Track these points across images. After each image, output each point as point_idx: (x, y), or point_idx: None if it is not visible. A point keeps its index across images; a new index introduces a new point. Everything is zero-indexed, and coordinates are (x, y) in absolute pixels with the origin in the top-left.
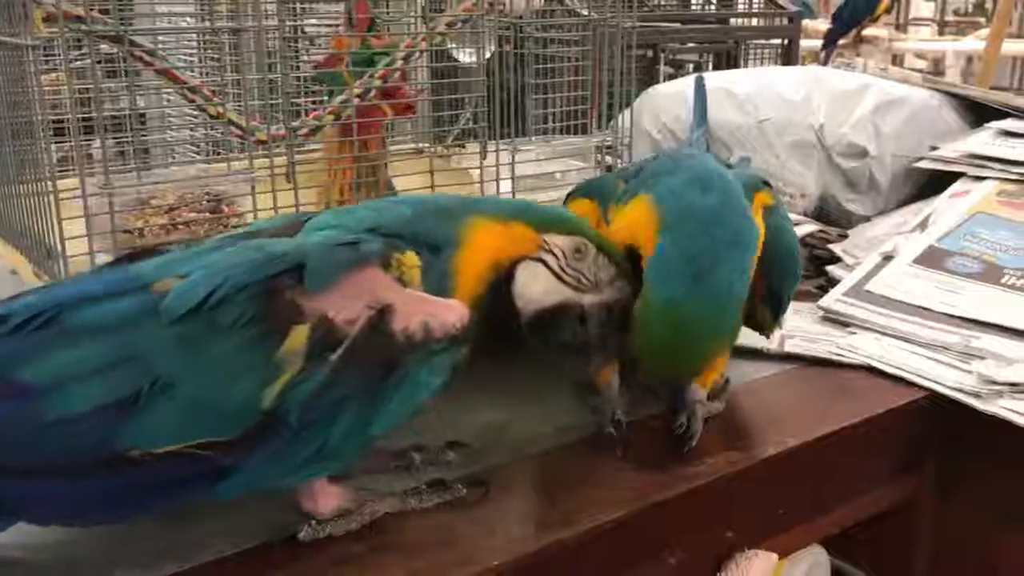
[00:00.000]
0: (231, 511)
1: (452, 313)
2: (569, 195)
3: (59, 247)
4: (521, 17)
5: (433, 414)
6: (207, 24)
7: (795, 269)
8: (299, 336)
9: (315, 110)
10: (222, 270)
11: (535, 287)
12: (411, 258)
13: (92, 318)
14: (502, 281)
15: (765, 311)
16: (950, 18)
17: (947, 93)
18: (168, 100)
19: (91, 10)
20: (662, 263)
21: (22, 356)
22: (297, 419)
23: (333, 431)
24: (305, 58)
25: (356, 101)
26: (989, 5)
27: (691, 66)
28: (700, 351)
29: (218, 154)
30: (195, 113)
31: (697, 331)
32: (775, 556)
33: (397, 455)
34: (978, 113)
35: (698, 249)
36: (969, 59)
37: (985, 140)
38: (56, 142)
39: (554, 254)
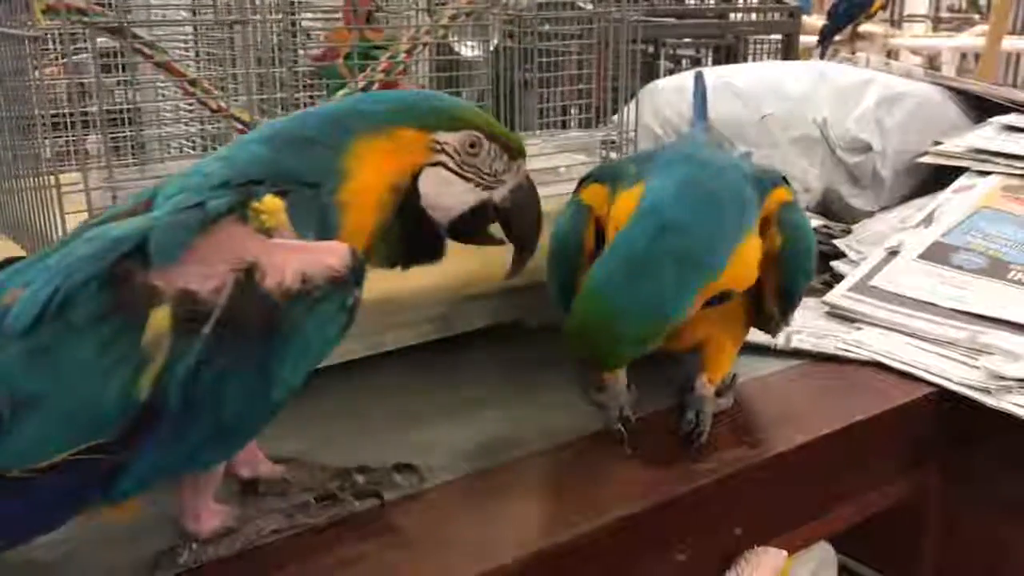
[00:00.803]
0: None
1: (331, 255)
2: (583, 179)
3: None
4: (524, 11)
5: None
6: (209, 16)
7: (808, 267)
8: (160, 318)
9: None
10: (60, 270)
11: (444, 196)
12: (272, 202)
13: None
14: (407, 196)
15: (774, 308)
16: (944, 14)
17: (950, 88)
18: (164, 95)
19: (91, 2)
20: (612, 250)
21: None
22: (180, 403)
23: (225, 407)
24: (302, 52)
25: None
26: (983, 1)
27: (686, 61)
28: (607, 348)
29: (214, 149)
30: (191, 107)
31: (609, 329)
32: (784, 553)
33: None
34: (981, 108)
35: (644, 255)
36: (964, 55)
37: (989, 135)
38: (53, 136)
39: (448, 154)
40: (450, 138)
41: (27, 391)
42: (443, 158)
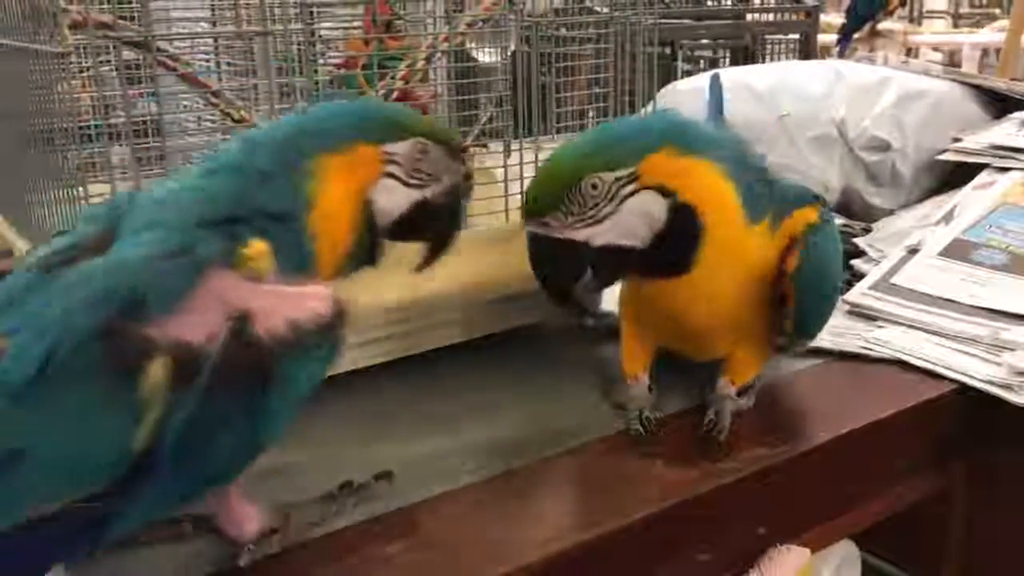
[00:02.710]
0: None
1: (316, 299)
2: None
3: None
4: (542, 15)
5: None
6: (230, 28)
7: (825, 292)
8: (157, 370)
9: None
10: (51, 324)
11: (390, 203)
12: (257, 247)
13: None
14: (366, 212)
15: (789, 330)
16: (965, 10)
17: (969, 84)
18: (185, 106)
19: (119, 17)
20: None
21: None
22: (173, 452)
23: (219, 453)
24: (323, 62)
25: None
26: None
27: (703, 62)
28: (553, 179)
29: None
30: (212, 118)
31: (560, 165)
32: (808, 552)
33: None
34: (1001, 104)
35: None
36: (985, 51)
37: (1009, 131)
38: (78, 149)
39: (397, 163)
40: (399, 148)
41: (16, 445)
42: (393, 169)
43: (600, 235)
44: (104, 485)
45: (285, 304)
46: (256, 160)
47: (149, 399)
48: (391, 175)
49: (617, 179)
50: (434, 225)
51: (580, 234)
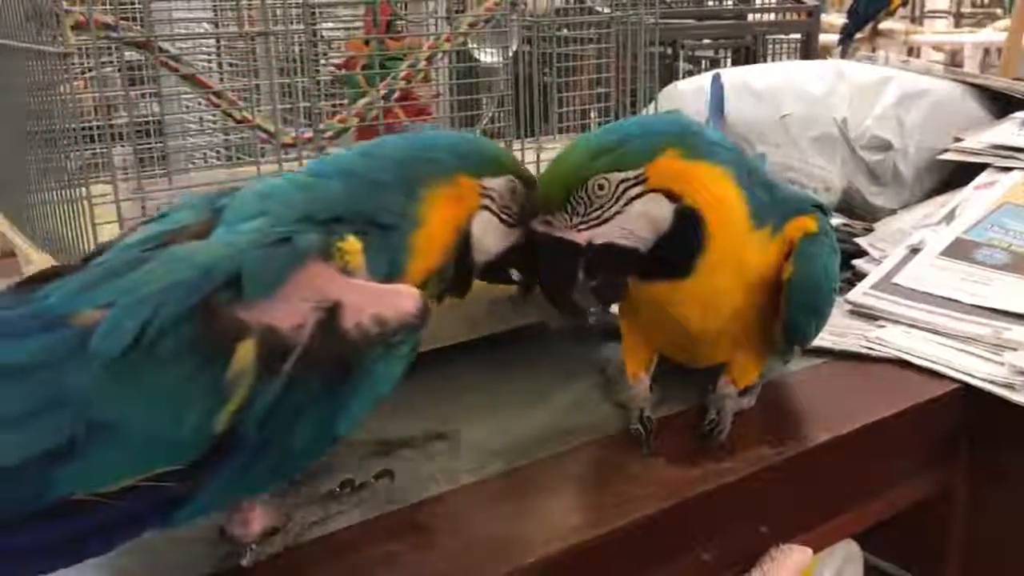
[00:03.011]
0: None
1: (406, 300)
2: None
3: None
4: (543, 15)
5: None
6: (232, 28)
7: (815, 304)
8: (246, 353)
9: (336, 113)
10: (150, 297)
11: (488, 238)
12: (352, 244)
13: (3, 361)
14: (461, 240)
15: (780, 338)
16: (967, 9)
17: (970, 84)
18: (188, 107)
19: (120, 18)
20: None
21: None
22: (254, 436)
23: (294, 441)
24: (324, 62)
25: (381, 103)
26: None
27: (705, 62)
28: (559, 178)
29: (239, 159)
30: (214, 118)
31: (567, 165)
32: (810, 551)
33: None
34: (1002, 103)
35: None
36: (987, 51)
37: (1010, 130)
38: (80, 150)
39: (493, 199)
40: (495, 183)
41: (106, 417)
42: (489, 202)
43: (603, 235)
44: (181, 464)
45: (374, 300)
46: (372, 172)
47: (235, 381)
48: (487, 208)
49: (624, 180)
50: (524, 262)
51: (583, 235)
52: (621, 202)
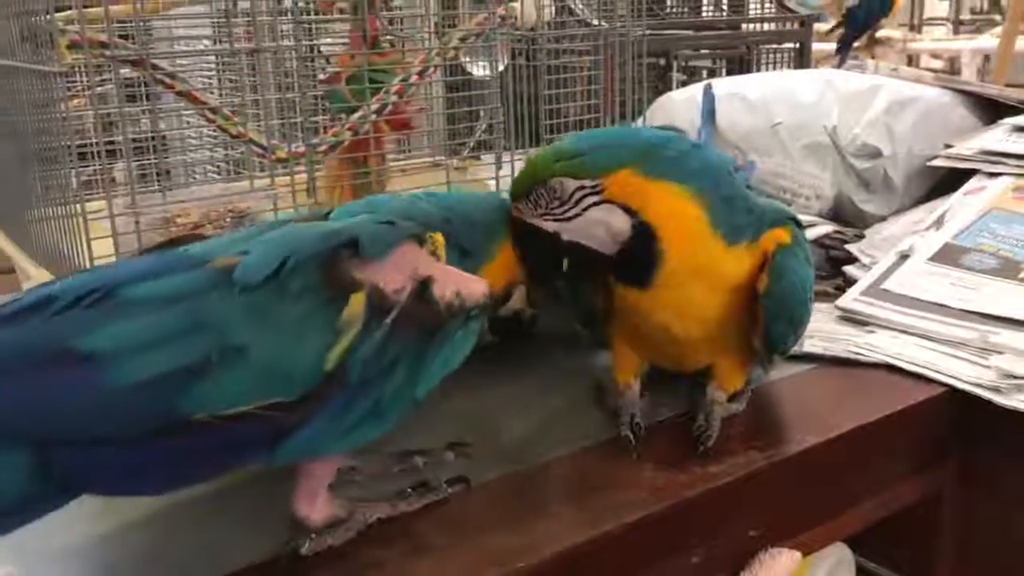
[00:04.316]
0: (222, 528)
1: (479, 285)
2: None
3: (88, 266)
4: (533, 29)
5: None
6: (226, 46)
7: (792, 314)
8: (357, 303)
9: (331, 127)
10: (287, 243)
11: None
12: (440, 237)
13: (152, 291)
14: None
15: (759, 348)
16: (966, 16)
17: (960, 91)
18: (187, 122)
19: (114, 36)
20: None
21: (82, 328)
22: (357, 379)
23: (385, 391)
24: (320, 76)
25: (373, 117)
26: (1006, 2)
27: (705, 72)
28: (527, 172)
29: (238, 173)
30: (214, 134)
31: (535, 161)
32: (799, 554)
33: (400, 458)
34: (992, 110)
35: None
36: (986, 57)
37: (999, 136)
38: (80, 166)
39: None
40: None
41: (239, 341)
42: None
43: (568, 232)
44: (293, 396)
45: (457, 280)
46: (467, 208)
47: (346, 325)
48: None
49: (580, 187)
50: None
51: (549, 226)
52: (580, 206)
